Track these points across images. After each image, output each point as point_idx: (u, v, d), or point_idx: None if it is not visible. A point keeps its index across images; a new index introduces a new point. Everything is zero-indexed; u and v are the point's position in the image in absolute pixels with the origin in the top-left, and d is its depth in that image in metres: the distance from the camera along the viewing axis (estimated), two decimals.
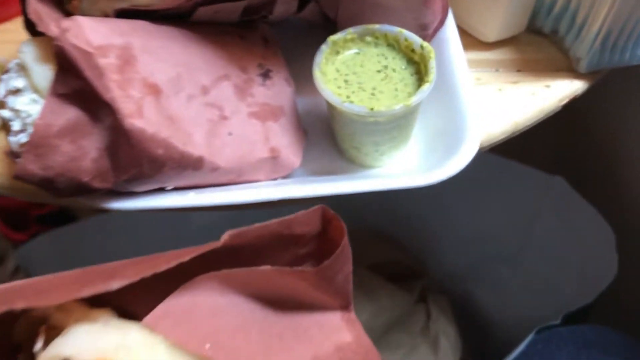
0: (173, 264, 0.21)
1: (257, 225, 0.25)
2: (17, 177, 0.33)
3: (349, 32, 0.38)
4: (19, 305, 0.19)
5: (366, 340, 0.26)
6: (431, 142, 0.40)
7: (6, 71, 0.36)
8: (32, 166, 0.32)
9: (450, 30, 0.42)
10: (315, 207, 0.27)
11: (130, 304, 0.22)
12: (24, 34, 0.45)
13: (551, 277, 0.77)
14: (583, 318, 0.65)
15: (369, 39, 0.39)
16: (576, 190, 0.71)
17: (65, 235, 0.76)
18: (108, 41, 0.34)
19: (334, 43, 0.38)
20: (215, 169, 0.35)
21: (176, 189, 0.36)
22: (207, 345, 0.21)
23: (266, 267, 0.23)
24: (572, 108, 0.76)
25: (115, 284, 0.20)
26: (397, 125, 0.37)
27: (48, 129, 0.32)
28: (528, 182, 0.75)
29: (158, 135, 0.33)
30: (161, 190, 0.36)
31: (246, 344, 0.22)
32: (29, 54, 0.34)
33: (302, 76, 0.42)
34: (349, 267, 0.26)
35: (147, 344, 0.20)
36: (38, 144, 0.32)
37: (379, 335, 0.82)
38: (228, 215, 0.84)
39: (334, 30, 0.39)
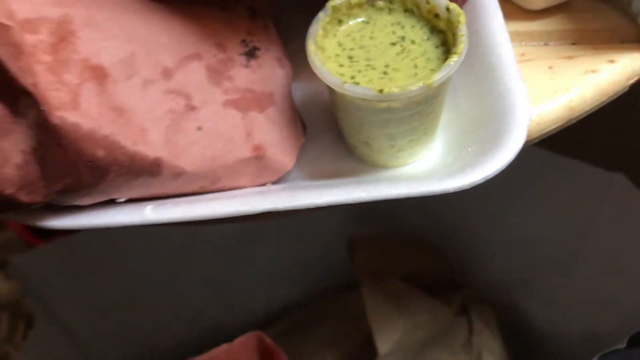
0: None
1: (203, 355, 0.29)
2: None
3: None
4: None
5: None
6: (464, 135, 0.31)
7: None
8: None
9: None
10: (250, 333, 0.28)
11: None
12: None
13: (611, 287, 0.73)
14: None
15: (380, 3, 0.30)
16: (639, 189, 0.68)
17: (66, 245, 0.72)
18: (39, 13, 0.26)
19: (335, 9, 0.30)
20: (178, 174, 0.27)
21: (131, 200, 0.28)
22: None
23: None
24: (633, 95, 0.70)
25: None
26: (417, 113, 0.28)
27: None
28: (584, 181, 0.72)
29: (98, 132, 0.25)
30: (112, 202, 0.28)
31: None
32: None
33: (301, 56, 0.34)
34: None
35: None
36: None
37: (416, 354, 0.78)
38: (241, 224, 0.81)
39: None
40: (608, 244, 0.73)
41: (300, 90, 0.34)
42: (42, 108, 0.24)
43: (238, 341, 0.29)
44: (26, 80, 0.24)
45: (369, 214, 0.88)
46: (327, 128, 0.34)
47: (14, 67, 0.24)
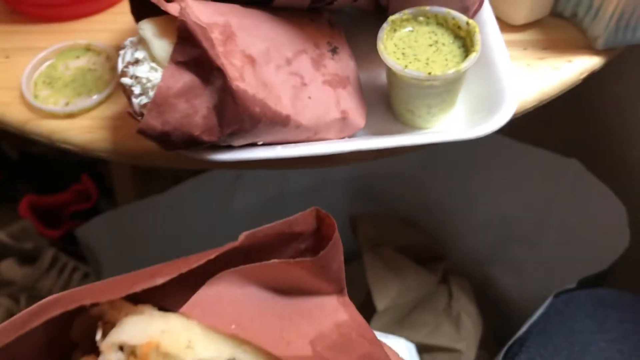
0: (202, 261, 0.26)
1: (265, 226, 0.29)
2: (140, 131, 0.40)
3: (405, 13, 0.46)
4: (87, 301, 0.24)
5: (360, 318, 0.30)
6: (474, 105, 0.47)
7: (121, 48, 0.43)
8: (153, 121, 0.39)
9: (487, 12, 0.49)
10: (310, 209, 0.30)
11: (166, 301, 0.27)
12: (113, 24, 0.54)
13: (567, 254, 0.82)
14: (599, 285, 0.70)
15: (421, 18, 0.46)
16: (590, 171, 0.76)
17: (120, 216, 0.83)
18: (212, 20, 0.41)
19: (393, 22, 0.45)
20: (298, 126, 0.42)
21: (265, 144, 0.43)
22: (233, 326, 0.26)
23: (274, 261, 0.28)
24: (585, 94, 0.82)
25: (159, 280, 0.25)
26: (447, 90, 0.44)
27: (168, 91, 0.39)
28: (545, 166, 0.81)
29: (256, 96, 0.40)
30: (253, 144, 0.43)
31: (263, 324, 0.27)
32: (148, 30, 0.41)
33: (357, 56, 0.49)
34: (340, 257, 0.29)
35: (185, 327, 0.26)
36: (159, 102, 0.39)
37: (406, 314, 0.87)
38: (267, 202, 0.91)
39: (382, 19, 0.46)
40: (565, 218, 0.82)
41: (361, 76, 0.49)
42: (226, 79, 0.39)
43: (303, 213, 0.30)
44: (218, 61, 0.39)
45: (370, 198, 0.97)
46: (379, 103, 0.49)
47: (212, 54, 0.38)
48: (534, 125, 0.93)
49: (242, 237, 0.27)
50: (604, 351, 0.61)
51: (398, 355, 0.32)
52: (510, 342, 0.63)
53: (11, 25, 0.55)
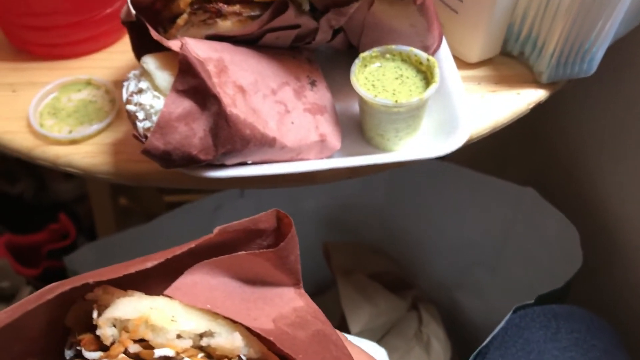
0: (185, 249, 0.31)
1: (234, 222, 0.32)
2: (145, 151, 0.45)
3: (374, 51, 0.52)
4: (90, 280, 0.29)
5: (314, 305, 0.34)
6: (435, 130, 0.54)
7: (125, 79, 0.49)
8: (157, 142, 0.45)
9: (444, 51, 0.57)
10: (272, 210, 0.34)
11: (152, 289, 0.31)
12: (111, 62, 0.59)
13: (526, 276, 0.88)
14: (557, 303, 0.74)
15: (388, 55, 0.53)
16: (545, 198, 0.82)
17: (108, 245, 0.87)
18: (208, 55, 0.47)
19: (364, 58, 0.52)
20: (283, 147, 0.48)
21: (254, 163, 0.49)
22: (208, 306, 0.31)
23: (241, 252, 0.32)
24: (536, 127, 0.90)
25: (149, 264, 0.30)
26: (412, 115, 0.50)
27: (170, 115, 0.44)
28: (502, 194, 0.86)
29: (247, 120, 0.46)
30: (244, 164, 0.49)
31: (233, 305, 0.32)
32: (151, 64, 0.47)
33: (333, 89, 0.56)
34: (297, 251, 0.34)
35: (169, 305, 0.30)
36: (162, 125, 0.44)
37: (378, 339, 0.90)
38: None
39: (353, 57, 0.53)
40: (523, 243, 0.87)
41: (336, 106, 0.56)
42: (221, 105, 0.45)
43: (265, 212, 0.33)
44: (214, 90, 0.45)
45: (343, 227, 1.02)
46: (353, 129, 0.55)
47: (209, 83, 0.45)
48: (493, 158, 1.01)
49: (216, 230, 0.32)
50: (557, 358, 0.66)
51: (368, 354, 0.37)
52: (472, 355, 0.68)
53: (18, 62, 0.61)
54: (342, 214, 1.03)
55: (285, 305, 0.34)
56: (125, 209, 1.14)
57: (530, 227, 0.86)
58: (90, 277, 0.30)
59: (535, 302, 0.72)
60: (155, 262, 0.30)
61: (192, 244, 0.31)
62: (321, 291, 1.05)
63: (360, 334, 0.88)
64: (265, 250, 0.33)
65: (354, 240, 1.02)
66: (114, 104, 0.57)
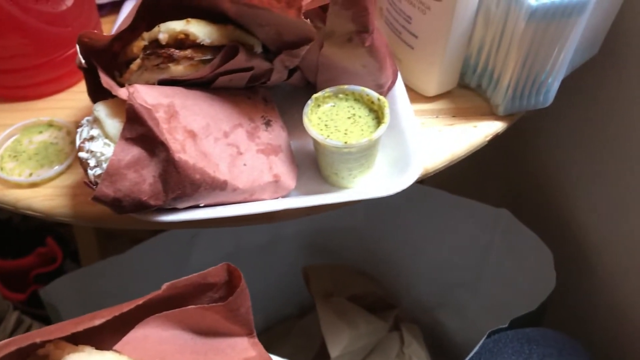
0: (132, 306, 0.32)
1: (183, 278, 0.33)
2: (95, 198, 0.46)
3: (327, 91, 0.53)
4: (37, 339, 0.30)
5: (267, 355, 0.35)
6: (389, 167, 0.54)
7: (79, 126, 0.50)
8: (107, 190, 0.45)
9: (399, 88, 0.57)
10: (222, 263, 0.35)
11: (102, 343, 0.32)
12: (74, 102, 0.60)
13: (502, 297, 0.88)
14: (530, 324, 0.75)
15: (341, 95, 0.54)
16: (520, 220, 0.83)
17: (84, 275, 0.87)
18: (158, 101, 0.48)
19: (316, 99, 0.53)
20: (235, 189, 0.49)
21: (206, 205, 0.49)
22: None
23: (191, 306, 0.34)
24: (512, 150, 0.90)
25: (97, 321, 0.31)
26: (364, 155, 0.51)
27: (119, 163, 0.45)
28: (479, 216, 0.87)
29: (196, 165, 0.47)
30: (196, 207, 0.49)
31: (183, 358, 0.33)
32: (102, 111, 0.48)
33: (290, 125, 0.57)
34: (248, 303, 0.35)
35: None
36: (112, 173, 0.45)
37: None
38: (223, 259, 0.96)
39: (312, 92, 0.54)
40: (500, 263, 0.88)
41: (291, 145, 0.56)
42: (169, 152, 0.45)
43: (215, 267, 0.35)
44: (162, 137, 0.45)
45: (323, 249, 1.02)
46: (309, 167, 0.55)
47: (157, 131, 0.45)
48: (470, 179, 1.01)
49: (164, 286, 0.33)
50: None
51: None
52: None
53: None
54: (322, 237, 1.03)
55: (236, 356, 0.35)
56: (108, 232, 1.14)
57: (506, 248, 0.87)
58: (38, 336, 0.31)
59: (509, 326, 0.73)
60: (102, 320, 0.31)
61: (140, 301, 0.32)
62: (303, 314, 1.06)
63: (341, 357, 0.88)
64: (214, 304, 0.34)
65: (335, 262, 1.02)
66: (74, 146, 0.57)
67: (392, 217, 0.97)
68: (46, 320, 1.02)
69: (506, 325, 0.73)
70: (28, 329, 1.04)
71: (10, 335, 1.01)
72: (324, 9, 0.49)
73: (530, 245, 0.82)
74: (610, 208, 0.76)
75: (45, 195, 0.54)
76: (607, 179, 0.76)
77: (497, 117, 0.61)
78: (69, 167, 0.56)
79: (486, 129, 0.60)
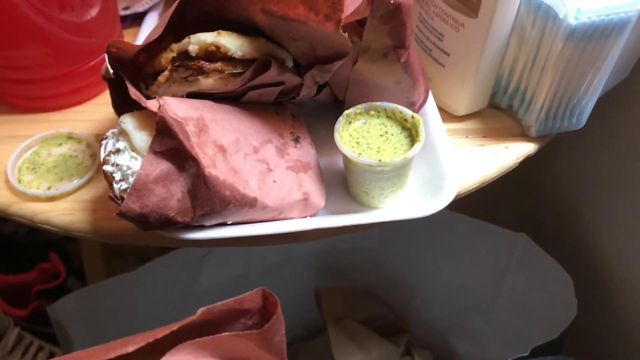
0: (167, 332, 0.30)
1: (218, 303, 0.32)
2: (120, 214, 0.44)
3: (358, 108, 0.52)
4: None
5: None
6: (422, 188, 0.52)
7: (103, 138, 0.48)
8: (133, 205, 0.43)
9: (431, 106, 0.56)
10: (257, 289, 0.35)
11: None
12: (93, 114, 0.59)
13: (520, 324, 0.86)
14: (549, 353, 0.73)
15: (372, 112, 0.52)
16: (538, 244, 0.81)
17: (90, 294, 0.85)
18: (187, 114, 0.46)
19: (348, 115, 0.51)
20: (264, 207, 0.47)
21: (234, 223, 0.48)
22: None
23: (225, 333, 0.32)
24: (528, 173, 0.89)
25: (130, 348, 0.29)
26: (397, 174, 0.49)
27: (147, 177, 0.43)
28: (496, 240, 0.85)
29: (226, 181, 0.45)
30: (223, 224, 0.47)
31: None
32: (129, 123, 0.46)
33: (317, 142, 0.55)
34: (282, 331, 0.34)
35: None
36: (139, 187, 0.43)
37: None
38: (233, 279, 0.94)
39: (339, 109, 0.52)
40: (517, 289, 0.86)
41: (321, 162, 0.55)
42: (200, 167, 0.44)
43: (251, 292, 0.34)
44: (192, 152, 0.44)
45: (335, 272, 1.00)
46: (337, 186, 0.54)
47: (187, 145, 0.43)
48: (486, 203, 1.00)
49: (199, 312, 0.32)
50: None
51: None
52: None
53: None
54: (335, 259, 1.02)
55: None
56: (115, 249, 1.12)
57: (523, 273, 0.85)
58: None
59: (530, 354, 0.70)
60: (136, 346, 0.29)
61: (175, 326, 0.31)
62: (313, 336, 1.04)
63: None
64: (249, 331, 0.32)
65: (347, 284, 1.01)
66: (94, 159, 0.55)
67: (407, 239, 0.96)
68: (48, 337, 1.00)
69: (527, 354, 0.70)
70: (29, 346, 1.02)
71: (11, 352, 0.99)
72: (360, 23, 0.48)
73: (550, 271, 0.80)
74: (633, 235, 0.74)
75: (64, 209, 0.52)
76: (630, 206, 0.74)
77: (528, 139, 0.59)
78: (89, 181, 0.54)
79: (517, 151, 0.59)
